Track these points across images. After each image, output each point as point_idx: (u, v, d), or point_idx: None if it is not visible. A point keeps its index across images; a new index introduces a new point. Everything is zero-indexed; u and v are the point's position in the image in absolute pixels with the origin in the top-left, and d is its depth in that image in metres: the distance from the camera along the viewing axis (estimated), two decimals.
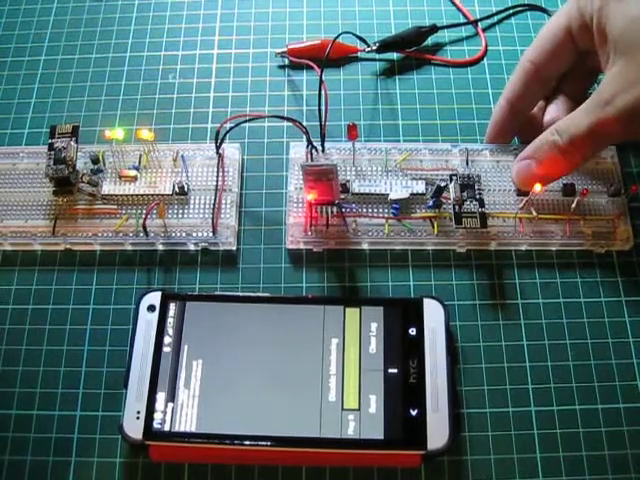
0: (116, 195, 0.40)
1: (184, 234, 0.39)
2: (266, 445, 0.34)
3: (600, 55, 0.36)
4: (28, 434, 0.36)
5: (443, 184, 0.38)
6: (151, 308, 0.37)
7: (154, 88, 0.46)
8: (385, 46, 0.46)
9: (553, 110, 0.41)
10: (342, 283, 0.39)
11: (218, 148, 0.41)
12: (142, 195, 0.40)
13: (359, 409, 0.34)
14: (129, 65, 0.47)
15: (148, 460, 0.34)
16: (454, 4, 0.49)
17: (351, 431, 0.34)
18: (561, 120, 0.36)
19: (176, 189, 0.40)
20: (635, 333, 0.38)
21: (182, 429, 0.34)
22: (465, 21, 0.48)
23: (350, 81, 0.46)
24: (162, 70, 0.47)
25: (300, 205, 0.40)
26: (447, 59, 0.47)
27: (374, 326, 0.36)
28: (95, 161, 0.41)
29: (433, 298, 0.37)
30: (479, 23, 0.48)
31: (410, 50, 0.47)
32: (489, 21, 0.48)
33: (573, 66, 0.40)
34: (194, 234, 0.39)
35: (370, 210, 0.40)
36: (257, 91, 0.46)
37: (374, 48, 0.46)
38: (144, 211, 0.39)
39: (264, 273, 0.40)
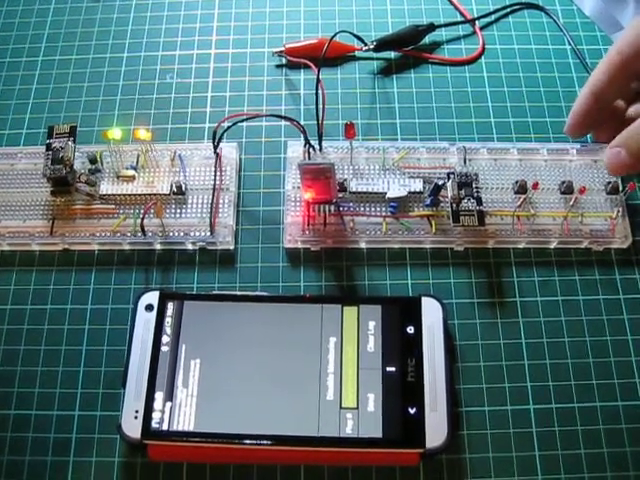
0: (114, 195, 0.40)
1: (182, 234, 0.39)
2: (264, 444, 0.33)
3: None
4: (26, 434, 0.36)
5: (441, 182, 0.38)
6: (149, 308, 0.37)
7: (152, 88, 0.46)
8: (382, 45, 0.46)
9: None
10: (340, 282, 0.39)
11: (216, 148, 0.41)
12: (140, 195, 0.40)
13: (357, 408, 0.34)
14: (127, 65, 0.47)
15: (146, 459, 0.34)
16: (451, 3, 0.49)
17: (349, 430, 0.34)
18: None
19: (174, 189, 0.40)
20: (633, 331, 0.38)
21: (180, 428, 0.34)
22: (462, 20, 0.48)
23: (347, 80, 0.46)
24: (159, 70, 0.47)
25: (298, 204, 0.40)
26: (444, 58, 0.47)
27: (372, 325, 0.36)
28: (93, 161, 0.41)
29: (431, 296, 0.37)
30: (476, 22, 0.48)
31: (407, 49, 0.47)
32: (486, 20, 0.48)
33: None
34: (192, 234, 0.39)
35: (368, 209, 0.40)
36: (254, 90, 0.46)
37: (371, 47, 0.46)
38: (142, 211, 0.39)
39: (262, 272, 0.40)
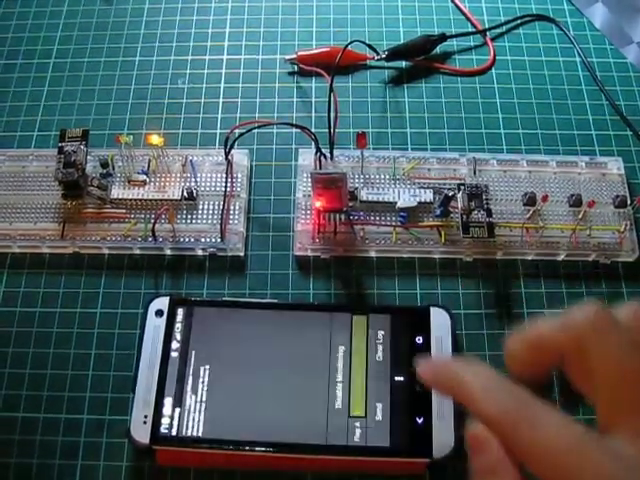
0: (125, 199, 0.40)
1: (192, 239, 0.40)
2: (272, 451, 0.34)
3: None
4: (35, 437, 0.36)
5: (451, 193, 0.39)
6: (159, 313, 0.37)
7: (163, 93, 0.46)
8: (394, 54, 0.46)
9: None
10: (349, 290, 0.39)
11: (227, 154, 0.41)
12: (151, 200, 0.40)
13: (365, 416, 0.34)
14: (138, 69, 0.47)
15: (155, 464, 0.35)
16: (463, 13, 0.49)
17: (357, 438, 0.34)
18: None
19: (185, 194, 0.40)
20: None
21: (189, 434, 0.34)
22: (474, 30, 0.48)
23: (359, 89, 0.46)
24: (171, 75, 0.47)
25: (308, 212, 0.40)
26: (455, 68, 0.47)
27: (381, 334, 0.36)
28: (104, 165, 0.41)
29: (440, 307, 0.37)
30: (487, 33, 0.48)
31: (419, 59, 0.47)
32: (497, 31, 0.48)
33: None
34: (202, 239, 0.40)
35: (378, 218, 0.40)
36: (266, 97, 0.46)
37: (383, 56, 0.46)
38: (152, 216, 0.39)
39: (271, 279, 0.40)
